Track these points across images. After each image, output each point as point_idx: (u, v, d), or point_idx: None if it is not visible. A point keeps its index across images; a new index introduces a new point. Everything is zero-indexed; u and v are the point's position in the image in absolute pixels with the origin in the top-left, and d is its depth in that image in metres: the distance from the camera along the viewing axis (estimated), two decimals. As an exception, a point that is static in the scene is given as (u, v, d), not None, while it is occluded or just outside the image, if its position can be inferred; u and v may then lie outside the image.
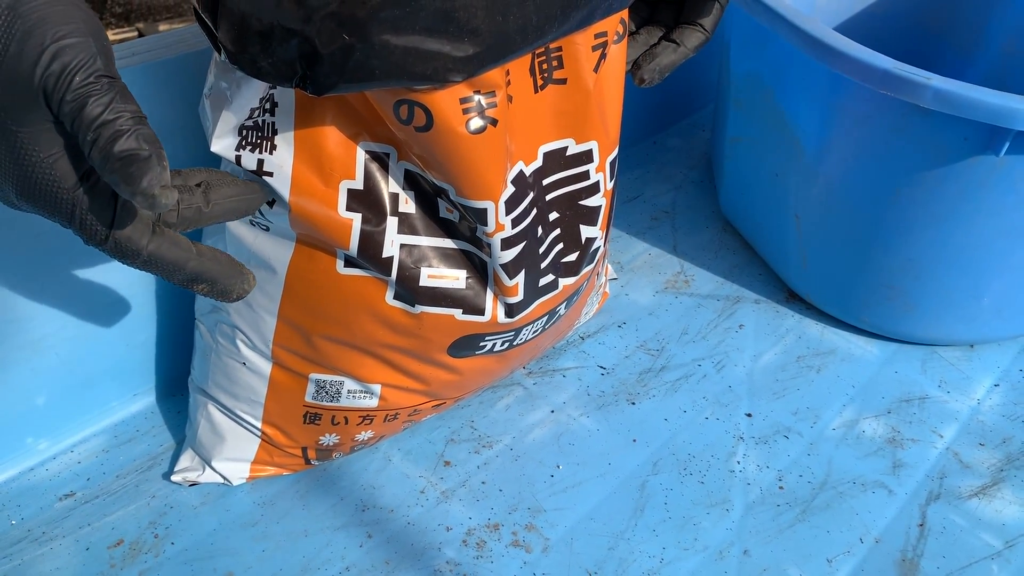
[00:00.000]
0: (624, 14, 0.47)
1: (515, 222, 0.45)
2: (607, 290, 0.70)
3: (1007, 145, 0.55)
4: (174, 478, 0.54)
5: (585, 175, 0.49)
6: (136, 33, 1.06)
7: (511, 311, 0.49)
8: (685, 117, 0.97)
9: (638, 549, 0.54)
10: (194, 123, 0.50)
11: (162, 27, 1.06)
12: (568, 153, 0.48)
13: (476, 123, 0.41)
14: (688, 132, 0.95)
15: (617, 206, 0.83)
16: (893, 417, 0.64)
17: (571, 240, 0.51)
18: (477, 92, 0.40)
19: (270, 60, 0.37)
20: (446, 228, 0.46)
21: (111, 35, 1.03)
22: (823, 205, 0.67)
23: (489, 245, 0.45)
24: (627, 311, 0.71)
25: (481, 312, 0.48)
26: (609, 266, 0.74)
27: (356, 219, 0.44)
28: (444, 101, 0.40)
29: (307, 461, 0.55)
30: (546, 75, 0.45)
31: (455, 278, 0.47)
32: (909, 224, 0.62)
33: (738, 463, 0.60)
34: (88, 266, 0.52)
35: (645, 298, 0.73)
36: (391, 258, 0.45)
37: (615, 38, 0.47)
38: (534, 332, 0.53)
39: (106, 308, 0.54)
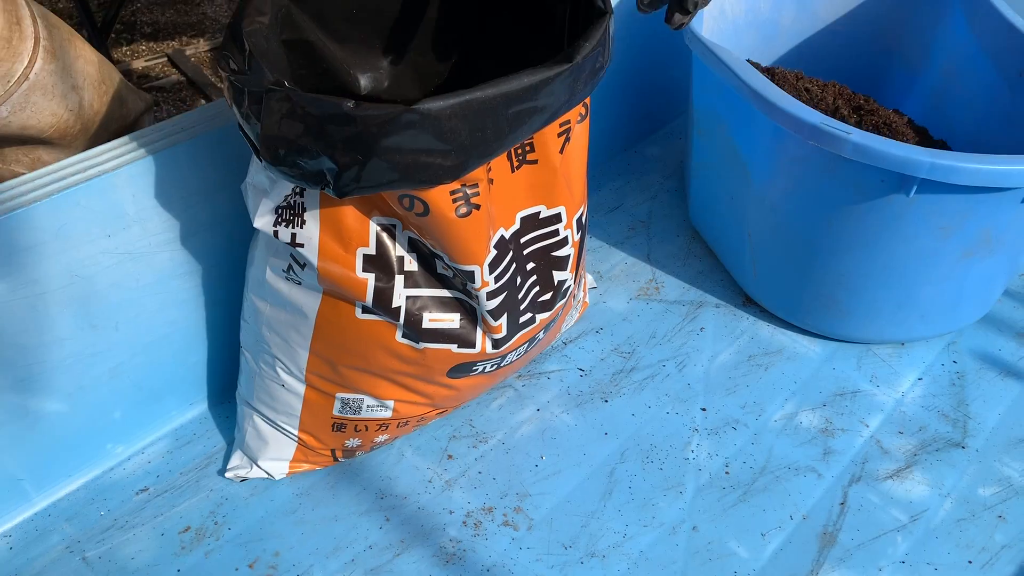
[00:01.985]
0: (586, 99, 0.58)
1: (497, 278, 0.57)
2: (587, 300, 0.82)
3: (915, 188, 0.65)
4: (227, 474, 0.67)
5: (556, 232, 0.60)
6: (165, 59, 1.16)
7: (497, 344, 0.60)
8: (663, 125, 1.07)
9: (606, 527, 0.66)
10: (233, 183, 0.61)
11: (188, 51, 1.16)
12: (540, 216, 0.59)
13: (463, 209, 0.52)
14: (665, 140, 1.05)
15: (600, 216, 0.94)
16: (828, 409, 0.75)
17: (545, 283, 0.62)
18: (464, 185, 0.51)
19: (300, 172, 0.48)
20: (442, 281, 0.58)
21: (142, 62, 1.13)
22: (769, 227, 0.77)
23: (477, 297, 0.57)
24: (604, 317, 0.83)
25: (473, 346, 0.60)
26: (590, 276, 0.85)
27: (371, 278, 0.56)
28: (438, 194, 0.51)
29: (335, 459, 0.67)
30: (520, 159, 0.56)
31: (451, 320, 0.58)
32: (840, 246, 0.73)
33: (692, 452, 0.72)
34: (152, 309, 0.64)
35: (620, 305, 0.84)
36: (399, 307, 0.57)
37: (578, 120, 0.58)
38: (517, 355, 0.64)
39: (165, 338, 0.66)
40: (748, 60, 0.91)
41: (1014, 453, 0.72)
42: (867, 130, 0.84)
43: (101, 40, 0.90)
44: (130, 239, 0.60)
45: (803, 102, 0.84)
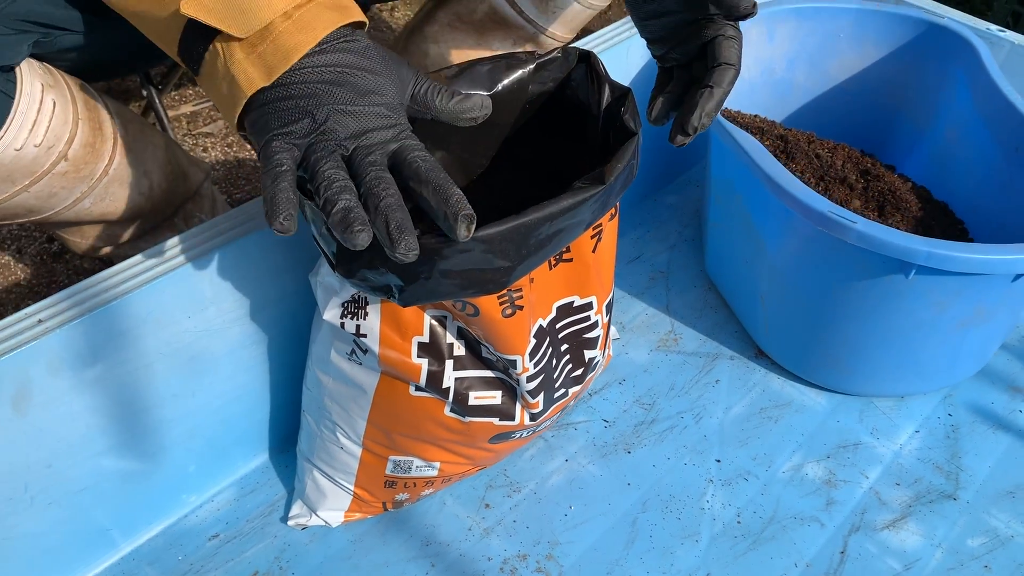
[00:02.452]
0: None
1: (536, 364, 0.64)
2: (611, 352, 0.89)
3: (913, 271, 0.72)
4: (289, 522, 0.75)
5: (588, 318, 0.67)
6: (211, 103, 1.22)
7: (534, 417, 0.67)
8: (680, 174, 1.13)
9: (629, 573, 0.73)
10: (295, 266, 0.68)
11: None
12: (575, 305, 0.66)
13: (508, 311, 0.59)
14: (683, 189, 1.12)
15: (621, 266, 1.01)
16: (831, 461, 0.82)
17: (577, 361, 0.69)
18: (509, 291, 0.58)
19: (370, 285, 0.55)
20: (486, 364, 0.65)
21: (190, 107, 1.20)
22: (780, 291, 0.84)
23: (518, 380, 0.64)
24: (626, 369, 0.90)
25: (513, 419, 0.67)
26: (613, 328, 0.92)
27: (424, 363, 0.63)
28: (487, 300, 0.58)
29: (385, 509, 0.75)
30: (558, 259, 0.63)
31: (494, 398, 0.66)
32: (845, 315, 0.80)
33: (707, 502, 0.79)
34: (224, 376, 0.71)
35: (642, 356, 0.91)
36: (449, 387, 0.64)
37: (608, 219, 0.65)
38: (551, 421, 0.71)
39: (235, 400, 0.74)
40: (761, 117, 0.98)
41: (1001, 505, 0.79)
42: (872, 196, 0.90)
43: (165, 124, 0.98)
44: (207, 318, 0.68)
45: (815, 168, 0.91)
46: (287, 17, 0.50)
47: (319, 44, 0.50)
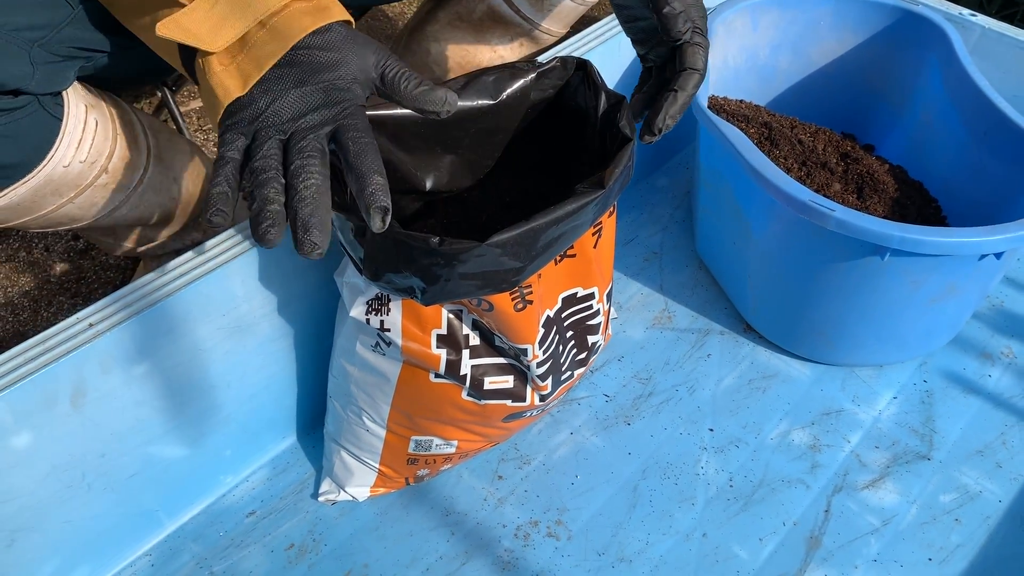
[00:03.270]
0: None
1: (544, 351, 0.70)
2: (610, 331, 0.95)
3: (888, 253, 0.78)
4: (320, 498, 0.81)
5: (590, 307, 0.73)
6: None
7: (543, 398, 0.74)
8: (671, 157, 1.19)
9: (632, 535, 0.80)
10: (321, 263, 0.74)
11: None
12: (578, 296, 0.72)
13: (520, 305, 0.65)
14: (673, 171, 1.17)
15: (619, 248, 1.07)
16: (816, 427, 0.89)
17: (581, 346, 0.75)
18: (520, 287, 0.64)
19: (394, 286, 0.61)
20: (499, 351, 0.71)
21: (198, 103, 1.24)
22: (766, 272, 0.90)
23: (528, 366, 0.70)
24: (624, 346, 0.96)
25: (524, 400, 0.73)
26: (612, 308, 0.98)
27: (443, 353, 0.69)
28: (500, 296, 0.64)
29: (407, 483, 0.81)
30: (562, 255, 0.69)
31: (506, 382, 0.72)
32: (827, 293, 0.86)
33: (702, 468, 0.86)
34: (256, 367, 0.77)
35: (638, 334, 0.98)
36: (466, 374, 0.70)
37: (608, 216, 0.71)
38: (557, 401, 0.78)
39: (266, 389, 0.80)
40: (746, 101, 1.04)
41: (971, 463, 0.86)
42: (852, 179, 0.96)
43: (180, 122, 1.02)
44: (239, 315, 0.74)
45: (797, 154, 0.97)
46: (262, 26, 0.51)
47: (291, 49, 0.51)
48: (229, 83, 0.51)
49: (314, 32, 0.52)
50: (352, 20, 0.56)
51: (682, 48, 0.64)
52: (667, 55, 0.68)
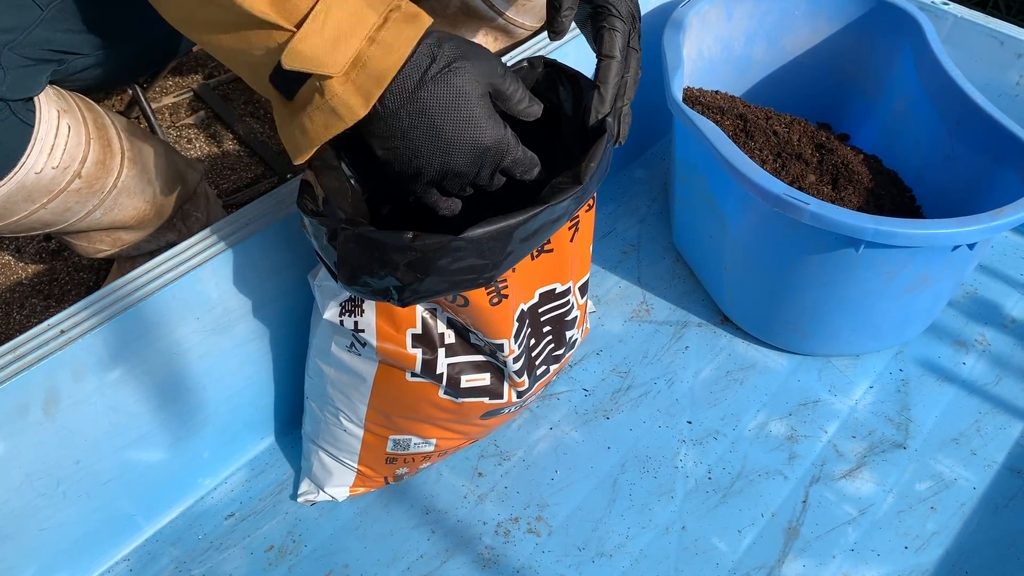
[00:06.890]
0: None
1: (520, 345, 0.70)
2: (588, 325, 0.95)
3: (863, 246, 0.78)
4: (299, 499, 0.81)
5: (567, 303, 0.73)
6: (192, 94, 1.26)
7: (520, 394, 0.74)
8: (647, 149, 1.19)
9: (612, 529, 0.81)
10: (294, 262, 0.73)
11: (212, 83, 1.26)
12: (556, 292, 0.72)
13: (495, 300, 0.65)
14: (650, 163, 1.17)
15: (596, 240, 1.06)
16: (793, 418, 0.90)
17: (558, 341, 0.75)
18: (495, 282, 0.64)
19: (370, 289, 0.61)
20: (475, 349, 0.71)
21: (171, 99, 1.23)
22: (742, 265, 0.91)
23: (504, 361, 0.70)
24: (603, 340, 0.96)
25: (501, 397, 0.73)
26: (590, 302, 0.98)
27: (418, 352, 0.69)
28: (476, 291, 0.64)
29: (386, 482, 0.81)
30: (540, 250, 0.68)
31: (483, 379, 0.72)
32: (802, 285, 0.86)
33: (681, 460, 0.86)
34: (232, 369, 0.77)
35: (616, 327, 0.98)
36: (442, 373, 0.70)
37: (585, 210, 0.70)
38: (535, 396, 0.78)
39: (243, 390, 0.79)
40: (722, 92, 1.04)
41: (946, 451, 0.87)
42: (827, 170, 0.97)
43: (152, 120, 1.01)
44: (214, 318, 0.73)
45: (772, 145, 0.97)
46: (371, 42, 0.53)
47: (405, 63, 0.53)
48: (352, 101, 0.53)
49: (424, 47, 0.54)
50: (431, 19, 0.56)
51: (599, 34, 0.63)
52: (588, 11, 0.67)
